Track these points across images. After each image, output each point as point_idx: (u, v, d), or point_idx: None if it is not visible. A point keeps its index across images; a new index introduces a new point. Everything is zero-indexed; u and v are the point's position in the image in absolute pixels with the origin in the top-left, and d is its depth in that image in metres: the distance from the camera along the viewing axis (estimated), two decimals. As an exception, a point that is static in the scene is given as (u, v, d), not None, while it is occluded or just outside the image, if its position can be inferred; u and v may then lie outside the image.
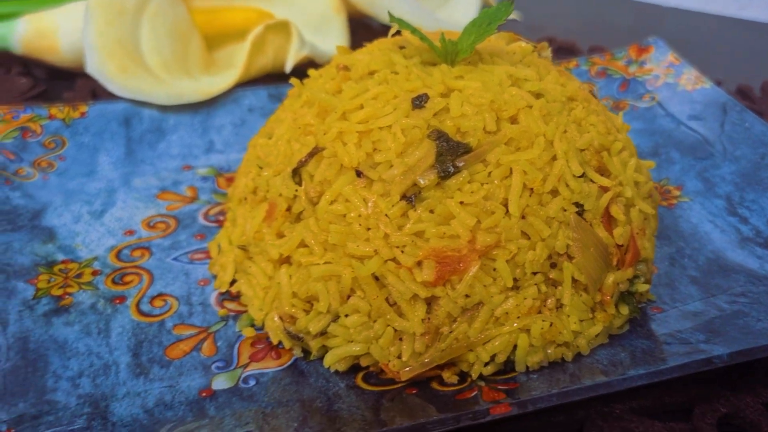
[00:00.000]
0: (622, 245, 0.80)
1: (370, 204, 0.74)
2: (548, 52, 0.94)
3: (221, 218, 0.98)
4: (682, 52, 1.26)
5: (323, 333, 0.76)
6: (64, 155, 1.06)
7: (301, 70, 1.23)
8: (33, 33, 1.27)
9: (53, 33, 1.26)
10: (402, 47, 0.89)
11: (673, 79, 1.22)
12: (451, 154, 0.74)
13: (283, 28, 1.20)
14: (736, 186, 1.02)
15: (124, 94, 1.11)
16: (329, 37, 1.32)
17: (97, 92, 1.28)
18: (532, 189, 0.75)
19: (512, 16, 1.70)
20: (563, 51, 1.54)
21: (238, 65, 1.17)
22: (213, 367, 0.78)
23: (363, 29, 1.50)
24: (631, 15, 1.87)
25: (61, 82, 1.33)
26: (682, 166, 1.09)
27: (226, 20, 1.30)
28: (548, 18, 1.76)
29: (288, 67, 1.20)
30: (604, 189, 0.79)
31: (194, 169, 1.08)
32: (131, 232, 0.96)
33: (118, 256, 0.92)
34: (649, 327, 0.82)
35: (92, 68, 1.12)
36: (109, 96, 1.16)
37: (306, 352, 0.79)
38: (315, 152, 0.79)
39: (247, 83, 1.20)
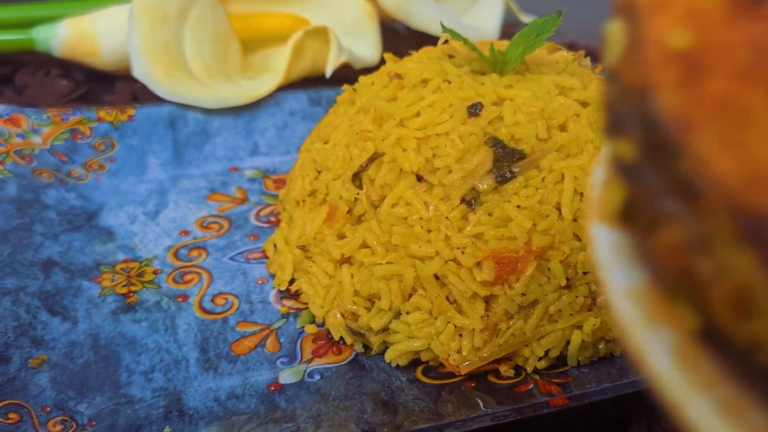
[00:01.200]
0: (664, 246, 0.84)
1: (431, 207, 0.78)
2: (587, 61, 0.99)
3: (272, 219, 1.02)
4: None
5: (385, 329, 0.81)
6: (114, 157, 1.10)
7: (337, 76, 1.27)
8: (74, 37, 1.30)
9: (93, 37, 1.29)
10: (451, 56, 0.93)
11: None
12: (507, 160, 0.78)
13: (321, 33, 1.24)
14: None
15: (171, 98, 1.14)
16: (363, 42, 1.36)
17: (137, 94, 1.31)
18: (582, 193, 0.79)
19: (527, 20, 1.75)
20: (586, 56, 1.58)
21: (279, 70, 1.21)
22: (278, 362, 0.82)
23: (390, 33, 1.54)
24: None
25: (100, 84, 1.36)
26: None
27: (261, 25, 1.33)
28: (568, 22, 1.80)
29: (328, 73, 1.24)
30: (648, 193, 0.83)
31: (241, 171, 1.12)
32: (186, 233, 1.00)
33: (176, 255, 0.96)
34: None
35: (139, 72, 1.15)
36: (150, 99, 1.20)
37: (366, 347, 0.83)
38: (375, 157, 0.83)
39: (287, 87, 1.24)
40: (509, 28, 1.71)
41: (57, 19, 1.32)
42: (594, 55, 1.59)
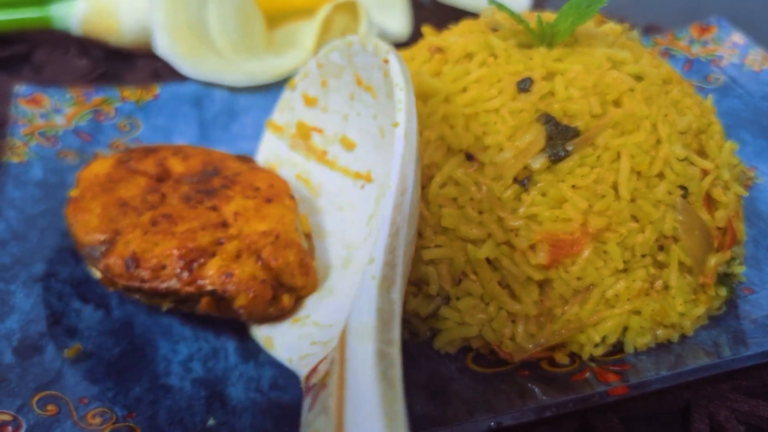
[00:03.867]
0: (722, 227, 0.81)
1: (483, 188, 0.75)
2: (636, 34, 0.94)
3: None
4: (743, 27, 1.26)
5: (433, 315, 0.77)
6: (139, 138, 1.06)
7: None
8: (93, 13, 1.26)
9: (113, 13, 1.25)
10: (494, 29, 0.89)
11: (738, 59, 1.22)
12: (560, 137, 0.75)
13: (350, 7, 1.19)
14: (811, 166, 1.03)
15: (195, 75, 1.11)
16: (392, 15, 1.32)
17: (159, 73, 1.27)
18: (639, 172, 0.76)
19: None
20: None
21: (306, 45, 1.17)
22: (322, 350, 0.78)
23: (416, 6, 1.49)
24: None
25: (120, 62, 1.32)
26: (754, 147, 1.09)
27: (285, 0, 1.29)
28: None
29: (358, 48, 1.20)
30: (705, 172, 0.80)
31: (270, 150, 1.08)
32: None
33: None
34: (744, 308, 0.83)
35: (162, 50, 1.12)
36: (172, 77, 1.16)
37: (413, 333, 0.79)
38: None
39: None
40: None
41: (75, -6, 1.27)
42: (642, 29, 1.55)
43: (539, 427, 0.72)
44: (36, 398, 0.69)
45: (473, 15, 1.42)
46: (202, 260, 0.68)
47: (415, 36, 1.39)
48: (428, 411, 0.70)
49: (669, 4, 1.73)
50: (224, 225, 0.71)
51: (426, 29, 0.95)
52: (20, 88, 1.05)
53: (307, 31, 1.28)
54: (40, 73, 1.28)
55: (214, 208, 0.73)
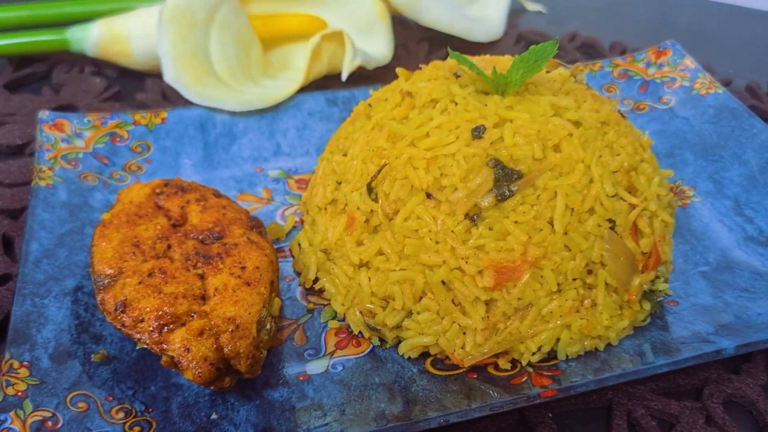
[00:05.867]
0: (646, 252, 0.95)
1: (439, 222, 0.89)
2: (583, 76, 1.08)
3: (296, 219, 1.13)
4: (699, 42, 1.38)
5: (398, 326, 0.92)
6: (150, 158, 1.20)
7: (352, 75, 1.36)
8: (106, 38, 1.39)
9: (125, 39, 1.38)
10: (457, 75, 1.02)
11: (688, 82, 1.35)
12: (506, 180, 0.89)
13: (337, 36, 1.32)
14: (743, 188, 1.16)
15: (200, 101, 1.24)
16: (375, 39, 1.45)
17: (166, 92, 1.41)
18: (572, 209, 0.90)
19: (537, 8, 1.82)
20: (586, 48, 1.66)
21: (298, 69, 1.30)
22: (305, 354, 0.94)
23: (400, 26, 1.62)
24: (651, 4, 1.97)
25: (131, 81, 1.45)
26: (695, 167, 1.23)
27: (281, 25, 1.42)
28: (571, 9, 1.86)
29: (344, 77, 1.33)
30: (633, 206, 0.94)
31: (265, 171, 1.22)
32: (219, 232, 1.11)
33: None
34: (666, 319, 0.97)
35: (169, 78, 1.25)
36: (178, 97, 1.29)
37: (382, 341, 0.94)
38: (382, 168, 0.93)
39: (305, 87, 1.33)
40: (515, 16, 1.78)
41: (89, 18, 1.40)
42: (594, 47, 1.68)
43: (483, 420, 0.88)
44: (69, 397, 0.84)
45: (450, 36, 1.55)
46: (172, 326, 0.83)
47: (399, 56, 1.53)
48: (392, 408, 0.85)
49: (635, 25, 1.84)
50: (203, 298, 0.86)
51: (399, 71, 1.08)
52: (44, 115, 1.19)
53: (299, 53, 1.41)
54: (59, 93, 1.42)
55: (201, 277, 0.88)
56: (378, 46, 1.43)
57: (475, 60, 1.09)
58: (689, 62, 1.37)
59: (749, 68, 1.59)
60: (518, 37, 1.64)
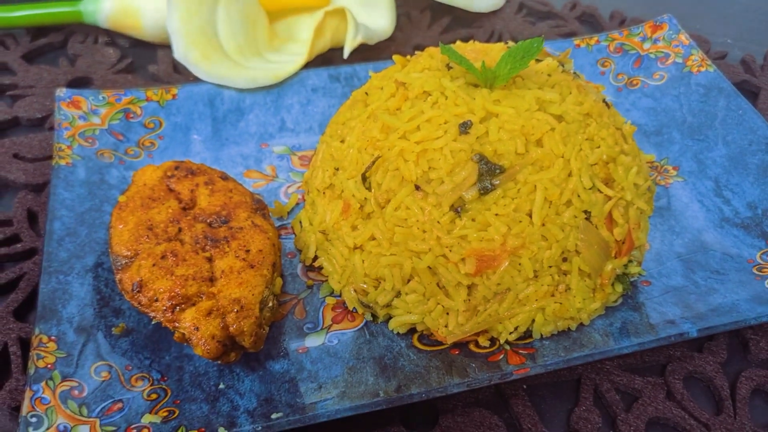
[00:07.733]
0: (620, 240, 1.02)
1: (426, 212, 0.96)
2: (571, 65, 1.12)
3: (299, 197, 1.20)
4: (700, 10, 1.38)
5: (388, 305, 1.01)
6: (162, 134, 1.28)
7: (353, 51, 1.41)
8: (118, 11, 1.45)
9: (136, 12, 1.44)
10: (449, 66, 1.07)
11: (681, 59, 1.38)
12: (489, 174, 0.95)
13: (340, 13, 1.37)
14: (724, 169, 1.22)
15: (208, 79, 1.30)
16: (377, 11, 1.48)
17: (176, 65, 1.47)
18: (551, 202, 0.97)
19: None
20: (586, 17, 1.68)
21: (303, 47, 1.35)
22: (304, 327, 1.03)
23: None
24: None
25: (144, 51, 1.51)
26: (681, 146, 1.28)
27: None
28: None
29: (345, 54, 1.38)
30: (608, 197, 1.00)
31: (270, 146, 1.29)
32: (227, 208, 1.19)
33: (219, 230, 1.16)
34: (637, 299, 1.05)
35: (179, 54, 1.31)
36: (189, 71, 1.35)
37: (374, 316, 1.04)
38: (376, 159, 1.00)
39: (308, 63, 1.38)
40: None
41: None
42: (594, 17, 1.69)
43: (463, 392, 0.98)
44: (93, 367, 0.94)
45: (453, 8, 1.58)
46: (183, 306, 0.92)
47: (402, 26, 1.57)
48: (381, 382, 0.94)
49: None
50: (210, 280, 0.95)
51: (396, 58, 1.14)
52: (61, 93, 1.26)
53: (304, 24, 1.46)
54: (74, 64, 1.48)
55: (210, 259, 0.96)
56: (380, 18, 1.47)
57: (467, 48, 1.14)
58: (684, 38, 1.40)
59: (748, 38, 1.61)
60: (519, 5, 1.67)
